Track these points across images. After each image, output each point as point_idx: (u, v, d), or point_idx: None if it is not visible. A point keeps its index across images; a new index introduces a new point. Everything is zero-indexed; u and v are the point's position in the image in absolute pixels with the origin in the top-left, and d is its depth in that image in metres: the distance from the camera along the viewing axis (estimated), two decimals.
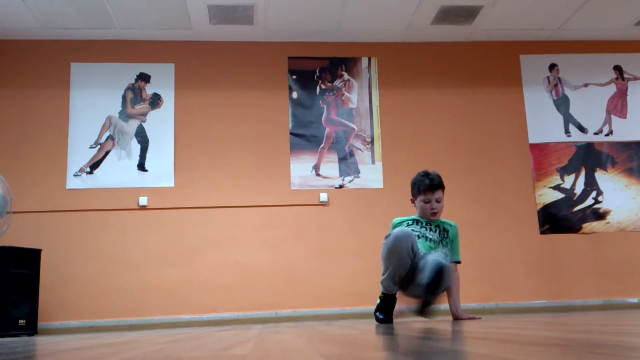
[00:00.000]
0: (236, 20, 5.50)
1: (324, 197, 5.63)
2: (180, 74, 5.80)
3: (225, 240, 5.50)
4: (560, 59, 6.13)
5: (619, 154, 5.97)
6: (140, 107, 5.72)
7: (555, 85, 6.09)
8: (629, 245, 5.76)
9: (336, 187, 5.69)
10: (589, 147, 5.98)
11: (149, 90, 5.74)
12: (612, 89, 6.12)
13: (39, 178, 5.46)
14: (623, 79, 6.14)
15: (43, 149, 5.53)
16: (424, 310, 3.07)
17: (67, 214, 5.41)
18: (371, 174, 5.74)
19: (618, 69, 6.15)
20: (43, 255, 4.99)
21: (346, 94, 5.91)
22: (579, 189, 5.88)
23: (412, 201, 3.47)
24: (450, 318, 3.45)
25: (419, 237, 3.29)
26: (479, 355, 1.03)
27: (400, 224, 3.39)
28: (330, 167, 5.73)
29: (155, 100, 5.74)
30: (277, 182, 5.65)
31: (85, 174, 5.52)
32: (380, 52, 6.01)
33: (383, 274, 3.16)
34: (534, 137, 5.96)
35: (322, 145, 5.78)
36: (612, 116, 6.06)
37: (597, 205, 5.85)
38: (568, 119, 6.03)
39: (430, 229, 3.36)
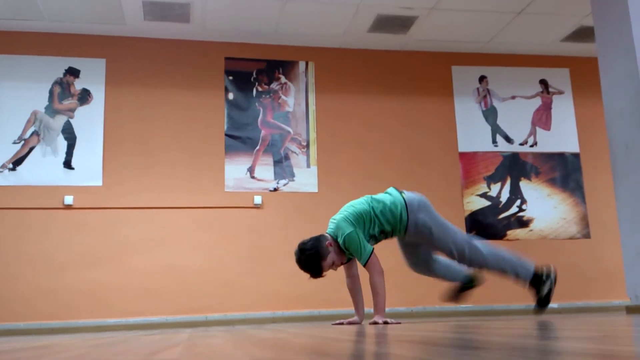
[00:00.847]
0: (172, 17, 5.40)
1: (258, 199, 5.60)
2: (111, 70, 5.63)
3: (155, 242, 5.38)
4: (490, 72, 6.35)
5: (543, 165, 6.24)
6: (68, 102, 5.52)
7: (485, 96, 6.31)
8: (550, 252, 6.01)
9: (271, 190, 5.67)
10: (514, 157, 6.21)
11: (78, 85, 5.55)
12: (537, 101, 6.39)
13: None
14: (548, 92, 6.43)
15: None
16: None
17: None
18: (306, 178, 5.76)
19: (544, 82, 6.43)
20: None
21: (283, 97, 5.91)
22: (504, 197, 6.10)
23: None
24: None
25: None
26: (406, 358, 1.05)
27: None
28: (265, 170, 5.71)
29: (85, 96, 5.55)
30: (210, 184, 5.58)
31: (7, 170, 5.27)
32: (317, 56, 6.04)
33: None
34: (464, 146, 6.15)
35: (257, 147, 5.75)
36: (537, 128, 6.33)
37: (521, 213, 6.09)
38: (495, 130, 6.25)
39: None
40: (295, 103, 5.93)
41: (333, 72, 6.05)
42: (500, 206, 6.07)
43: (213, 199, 5.56)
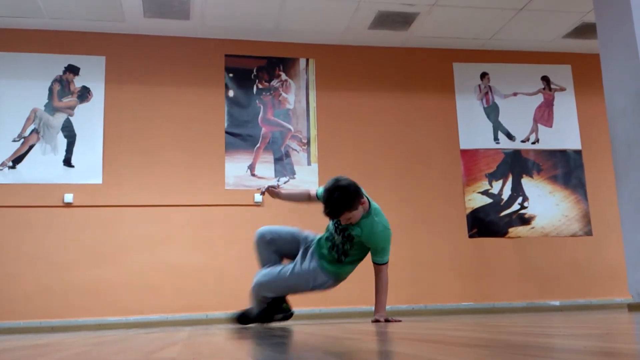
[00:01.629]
0: (171, 14, 5.38)
1: (258, 197, 5.59)
2: (111, 67, 5.62)
3: (155, 240, 5.37)
4: (492, 68, 6.33)
5: (545, 162, 6.22)
6: (68, 100, 5.50)
7: (486, 93, 6.29)
8: (552, 250, 6.01)
9: None
10: (516, 154, 6.19)
11: (78, 83, 5.54)
12: (539, 98, 6.37)
13: None
14: (550, 89, 6.41)
15: None
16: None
17: None
18: (307, 176, 5.74)
19: (546, 79, 6.41)
20: None
21: (283, 94, 5.90)
22: (506, 194, 6.09)
23: None
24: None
25: (327, 238, 3.38)
26: (406, 356, 1.04)
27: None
28: (266, 168, 5.70)
29: (84, 94, 5.54)
30: (210, 182, 5.56)
31: (7, 168, 5.26)
32: (318, 53, 6.02)
33: None
34: (465, 143, 6.13)
35: (257, 145, 5.74)
36: (539, 125, 6.31)
37: (522, 211, 6.07)
38: (497, 127, 6.23)
39: (337, 231, 3.35)
40: (295, 100, 5.91)
41: (334, 69, 6.03)
42: (502, 204, 6.05)
43: (213, 197, 5.55)
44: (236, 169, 5.64)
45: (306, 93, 5.94)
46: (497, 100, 6.29)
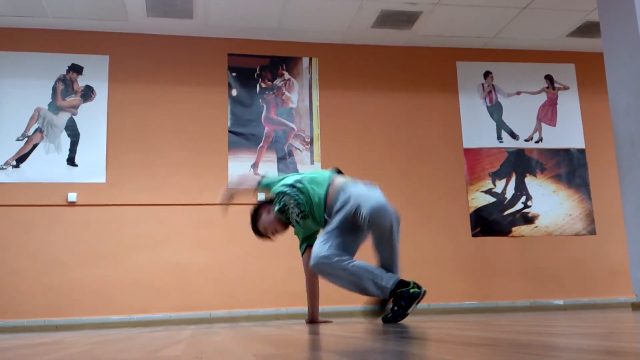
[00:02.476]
0: (174, 13, 5.39)
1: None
2: (114, 66, 5.63)
3: (158, 239, 5.37)
4: (495, 67, 6.32)
5: (548, 161, 6.21)
6: (72, 99, 5.52)
7: (489, 92, 6.28)
8: (555, 249, 6.00)
9: None
10: (519, 153, 6.19)
11: (81, 82, 5.55)
12: (543, 97, 6.36)
13: None
14: (554, 88, 6.40)
15: None
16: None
17: None
18: None
19: (549, 78, 6.40)
20: None
21: (286, 93, 5.90)
22: (509, 193, 6.08)
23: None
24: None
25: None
26: (413, 355, 1.04)
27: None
28: (269, 167, 5.70)
29: (88, 93, 5.54)
30: (214, 181, 5.57)
31: (11, 167, 5.28)
32: (321, 52, 6.02)
33: None
34: (468, 142, 6.12)
35: (261, 144, 5.74)
36: (543, 124, 6.30)
37: (526, 210, 6.06)
38: (500, 126, 6.22)
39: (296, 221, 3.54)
40: (298, 99, 5.91)
41: (337, 68, 6.03)
42: (505, 202, 6.05)
43: (217, 196, 5.55)
44: (239, 168, 5.64)
45: (309, 92, 5.94)
46: (501, 99, 6.28)
